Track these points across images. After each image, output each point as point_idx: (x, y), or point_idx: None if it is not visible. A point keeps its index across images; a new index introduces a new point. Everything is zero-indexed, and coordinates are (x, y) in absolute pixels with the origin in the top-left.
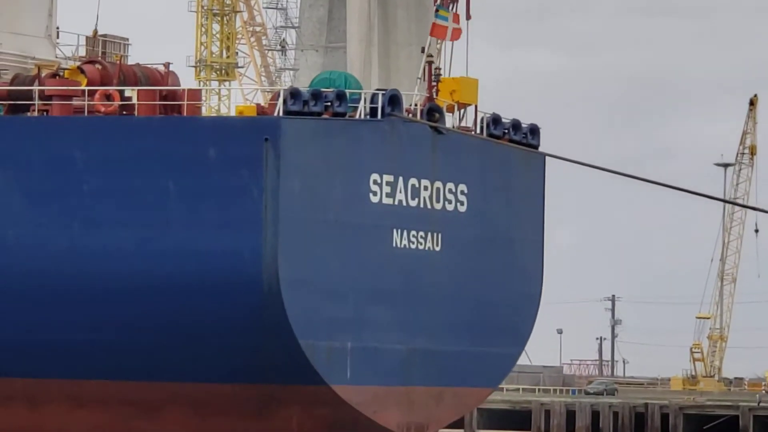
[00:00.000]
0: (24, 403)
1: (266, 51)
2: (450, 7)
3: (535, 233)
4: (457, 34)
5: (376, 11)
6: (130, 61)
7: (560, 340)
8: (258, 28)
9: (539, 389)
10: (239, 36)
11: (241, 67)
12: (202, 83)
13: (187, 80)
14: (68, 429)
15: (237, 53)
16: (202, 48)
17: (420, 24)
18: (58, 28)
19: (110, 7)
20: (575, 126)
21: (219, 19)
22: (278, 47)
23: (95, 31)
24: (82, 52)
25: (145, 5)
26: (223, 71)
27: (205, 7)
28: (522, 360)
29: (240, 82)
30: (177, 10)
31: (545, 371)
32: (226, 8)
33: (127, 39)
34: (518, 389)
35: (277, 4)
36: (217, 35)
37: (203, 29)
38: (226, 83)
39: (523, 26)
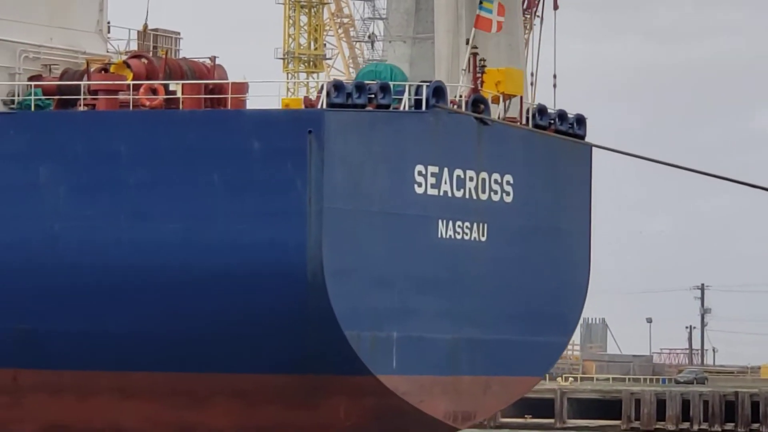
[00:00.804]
0: (73, 395)
1: (354, 42)
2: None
3: (581, 223)
4: (500, 26)
5: (463, 2)
6: (182, 54)
7: (650, 329)
8: (346, 20)
9: (629, 378)
10: (327, 28)
11: (329, 58)
12: (290, 75)
13: (275, 72)
14: (117, 420)
15: (325, 45)
16: (290, 40)
17: (508, 14)
18: (109, 22)
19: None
20: (660, 114)
21: (307, 10)
22: (367, 39)
23: (145, 26)
24: (134, 46)
25: None
26: (311, 63)
27: (292, 0)
28: (612, 349)
29: (328, 74)
30: (265, 2)
31: (635, 360)
32: (313, 1)
33: (179, 33)
34: (608, 379)
35: None
36: (305, 27)
37: (291, 21)
38: (314, 75)
39: (609, 15)
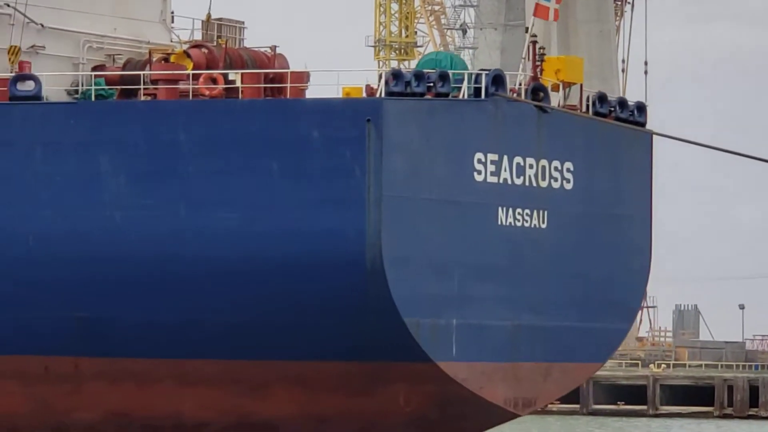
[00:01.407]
0: (133, 382)
1: (445, 30)
2: None
3: (642, 210)
4: (557, 14)
5: None
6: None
7: (742, 315)
8: (437, 7)
9: (722, 365)
10: (418, 15)
11: (420, 46)
12: (381, 63)
13: (367, 60)
14: (177, 408)
15: (416, 33)
16: (381, 28)
17: (599, 1)
18: (172, 12)
19: None
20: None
21: None
22: (458, 27)
23: (209, 15)
24: (198, 36)
25: None
26: (402, 51)
27: None
28: (704, 336)
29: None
30: None
31: (727, 347)
32: None
33: (243, 22)
34: (701, 365)
35: None
36: (396, 15)
37: (382, 9)
38: (405, 63)
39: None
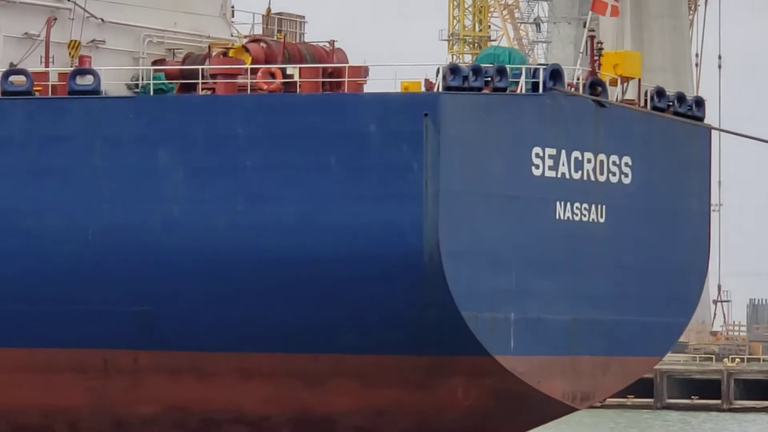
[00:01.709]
0: (192, 375)
1: (519, 24)
2: None
3: (701, 204)
4: (615, 10)
5: None
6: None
7: None
8: (510, 1)
9: None
10: (491, 9)
11: (494, 40)
12: (455, 57)
13: (440, 54)
14: (236, 402)
15: (489, 26)
16: (455, 22)
17: None
18: (233, 7)
19: None
20: None
21: None
22: (532, 21)
23: (269, 10)
24: (259, 30)
25: None
26: (476, 45)
27: None
28: None
29: None
30: None
31: None
32: None
33: (303, 17)
34: None
35: None
36: (470, 9)
37: (455, 3)
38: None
39: None
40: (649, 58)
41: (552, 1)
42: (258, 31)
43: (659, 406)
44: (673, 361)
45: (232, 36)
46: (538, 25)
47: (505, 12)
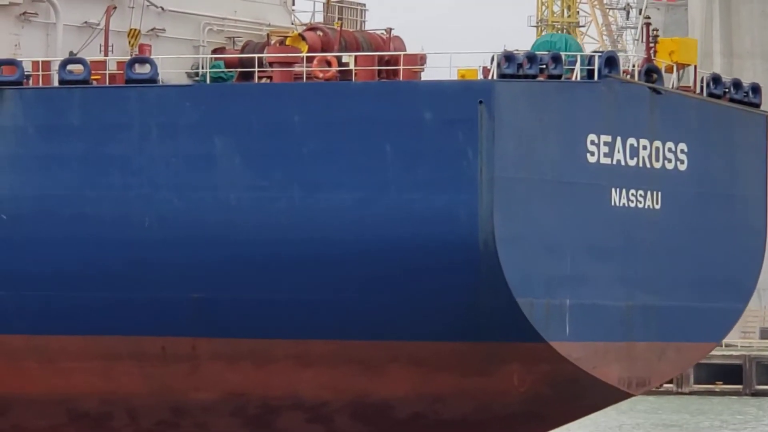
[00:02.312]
0: (250, 362)
1: (607, 10)
2: None
3: (757, 190)
4: None
5: None
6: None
7: None
8: None
9: None
10: None
11: (583, 26)
12: None
13: (528, 38)
14: (294, 388)
15: (578, 12)
16: (543, 8)
17: None
18: None
19: None
20: None
21: None
22: (621, 8)
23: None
24: (320, 18)
25: None
26: (565, 30)
27: None
28: None
29: (582, 42)
30: None
31: None
32: None
33: (364, 5)
34: None
35: None
36: None
37: None
38: None
39: None
40: (738, 43)
41: None
42: (319, 19)
43: (748, 393)
44: (763, 347)
45: (292, 24)
46: (627, 12)
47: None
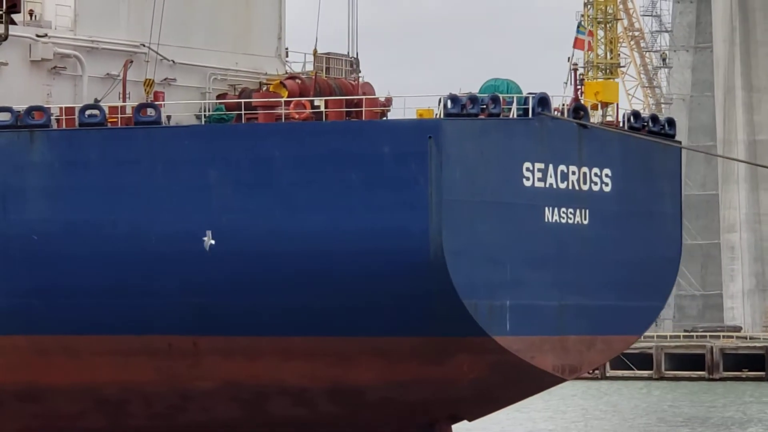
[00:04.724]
0: (243, 356)
1: (644, 52)
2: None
3: (673, 208)
4: (589, 45)
5: (737, 15)
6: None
7: None
8: (636, 33)
9: None
10: (621, 40)
11: (623, 66)
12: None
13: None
14: (280, 377)
15: (619, 54)
16: (589, 52)
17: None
18: (287, 48)
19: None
20: None
21: (603, 26)
22: (655, 50)
23: (315, 50)
24: (310, 67)
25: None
26: (608, 70)
27: (591, 16)
28: None
29: (623, 80)
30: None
31: None
32: (609, 17)
33: (347, 55)
34: None
35: (653, 12)
36: (602, 40)
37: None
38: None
39: None
40: (756, 79)
41: (672, 33)
42: (309, 68)
43: None
44: None
45: (286, 73)
46: (663, 60)
47: (632, 42)
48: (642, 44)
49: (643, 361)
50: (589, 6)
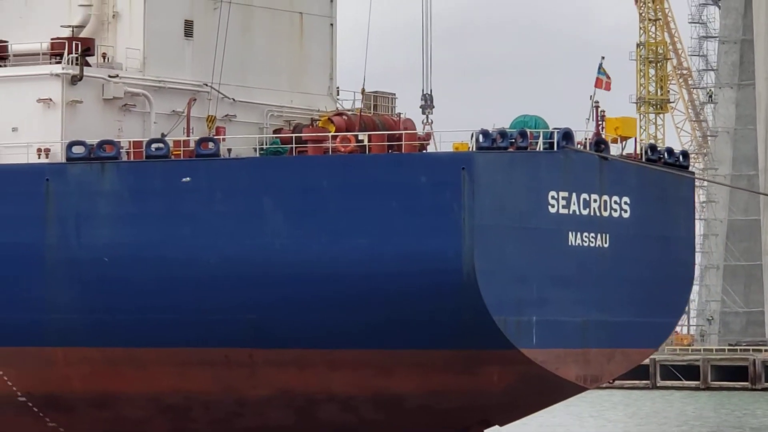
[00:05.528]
0: (294, 367)
1: (692, 88)
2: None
3: (687, 232)
4: (608, 86)
5: None
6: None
7: None
8: (685, 71)
9: None
10: (670, 77)
11: (672, 102)
12: (641, 116)
13: (629, 113)
14: (328, 386)
15: (669, 91)
16: (641, 88)
17: None
18: (338, 87)
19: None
20: None
21: (654, 65)
22: (702, 87)
23: (363, 89)
24: (359, 104)
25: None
26: (658, 106)
27: (643, 57)
28: None
29: (672, 114)
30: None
31: None
32: (659, 57)
33: (394, 93)
34: None
35: (700, 52)
36: (653, 78)
37: (642, 73)
38: (661, 115)
39: None
40: None
41: (718, 71)
42: (358, 105)
43: None
44: None
45: (336, 110)
46: (710, 97)
47: (681, 79)
48: (690, 82)
49: (691, 372)
50: (641, 47)
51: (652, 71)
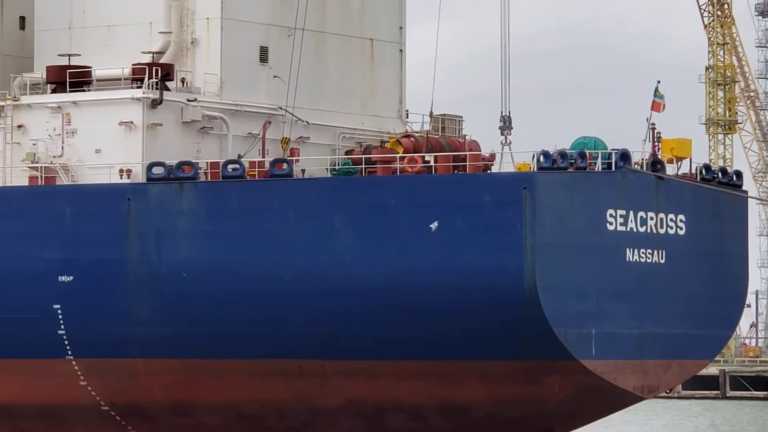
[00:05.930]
0: (364, 377)
1: (759, 110)
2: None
3: (740, 249)
4: (662, 107)
5: None
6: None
7: None
8: (752, 93)
9: None
10: (738, 99)
11: (740, 123)
12: (710, 137)
13: (698, 134)
14: (396, 396)
15: (737, 113)
16: (710, 109)
17: None
18: (407, 110)
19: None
20: None
21: (722, 87)
22: None
23: (431, 113)
24: (428, 126)
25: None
26: (726, 126)
27: (712, 79)
28: None
29: (740, 135)
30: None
31: None
32: (727, 79)
33: (461, 116)
34: None
35: (767, 74)
36: (721, 100)
37: (710, 95)
38: (729, 136)
39: None
40: None
41: None
42: (426, 127)
43: None
44: None
45: (406, 131)
46: None
47: (748, 101)
48: (757, 103)
49: (760, 383)
50: (710, 70)
51: (720, 93)
